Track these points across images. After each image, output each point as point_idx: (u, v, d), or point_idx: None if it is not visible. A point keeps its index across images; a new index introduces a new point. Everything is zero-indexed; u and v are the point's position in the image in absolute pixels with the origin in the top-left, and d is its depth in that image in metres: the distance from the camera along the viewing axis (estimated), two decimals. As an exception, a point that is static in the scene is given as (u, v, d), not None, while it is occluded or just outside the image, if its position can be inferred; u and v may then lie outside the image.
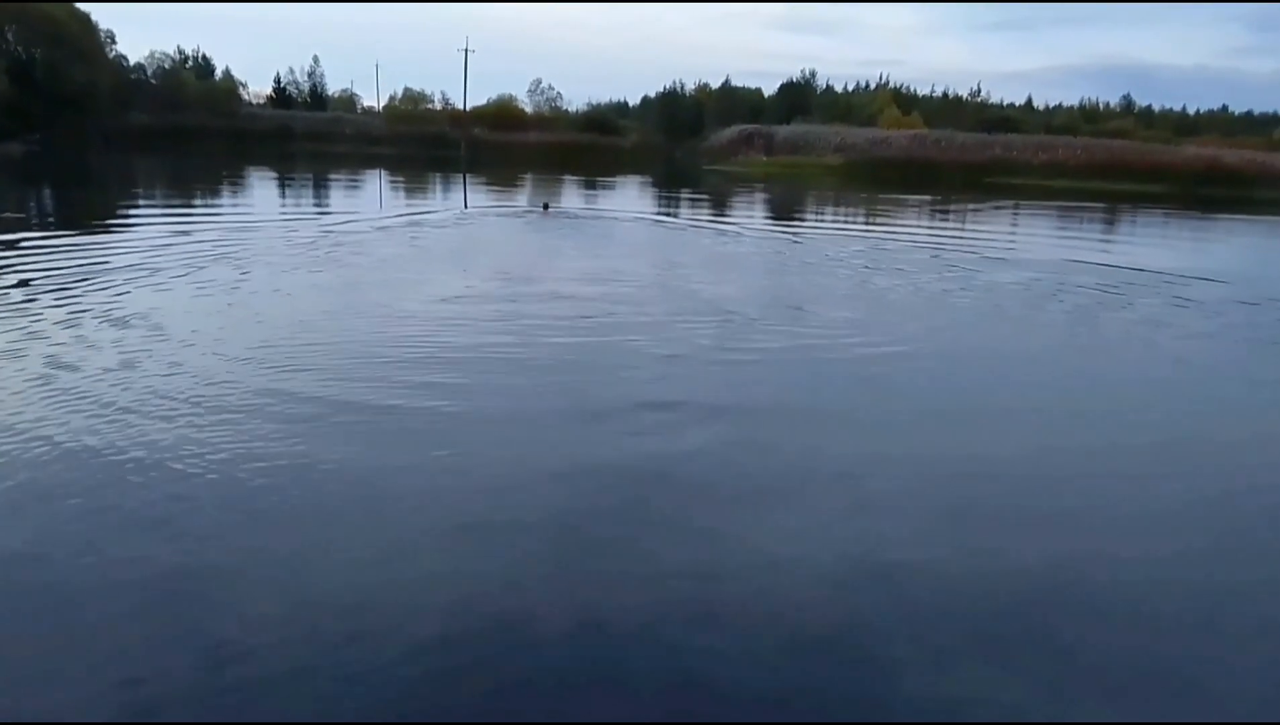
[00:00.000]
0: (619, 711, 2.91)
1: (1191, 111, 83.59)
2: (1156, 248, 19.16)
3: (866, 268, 13.14)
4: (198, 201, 21.65)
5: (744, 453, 5.25)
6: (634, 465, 4.93)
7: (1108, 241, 20.69)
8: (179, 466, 4.55)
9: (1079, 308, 10.46)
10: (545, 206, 21.13)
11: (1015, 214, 27.74)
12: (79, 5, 48.36)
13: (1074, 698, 3.06)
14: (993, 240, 18.32)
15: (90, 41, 48.64)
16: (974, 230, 21.37)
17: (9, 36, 45.46)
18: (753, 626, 3.40)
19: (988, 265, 13.90)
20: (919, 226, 22.01)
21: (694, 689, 3.02)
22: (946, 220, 24.80)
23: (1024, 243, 18.17)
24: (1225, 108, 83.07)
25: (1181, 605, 3.77)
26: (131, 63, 56.31)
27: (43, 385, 5.74)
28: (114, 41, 53.07)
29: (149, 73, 57.86)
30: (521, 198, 26.72)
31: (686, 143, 62.33)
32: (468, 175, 36.48)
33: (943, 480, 4.98)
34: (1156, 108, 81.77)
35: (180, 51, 63.39)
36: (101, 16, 50.13)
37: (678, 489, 4.67)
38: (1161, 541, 4.35)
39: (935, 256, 14.80)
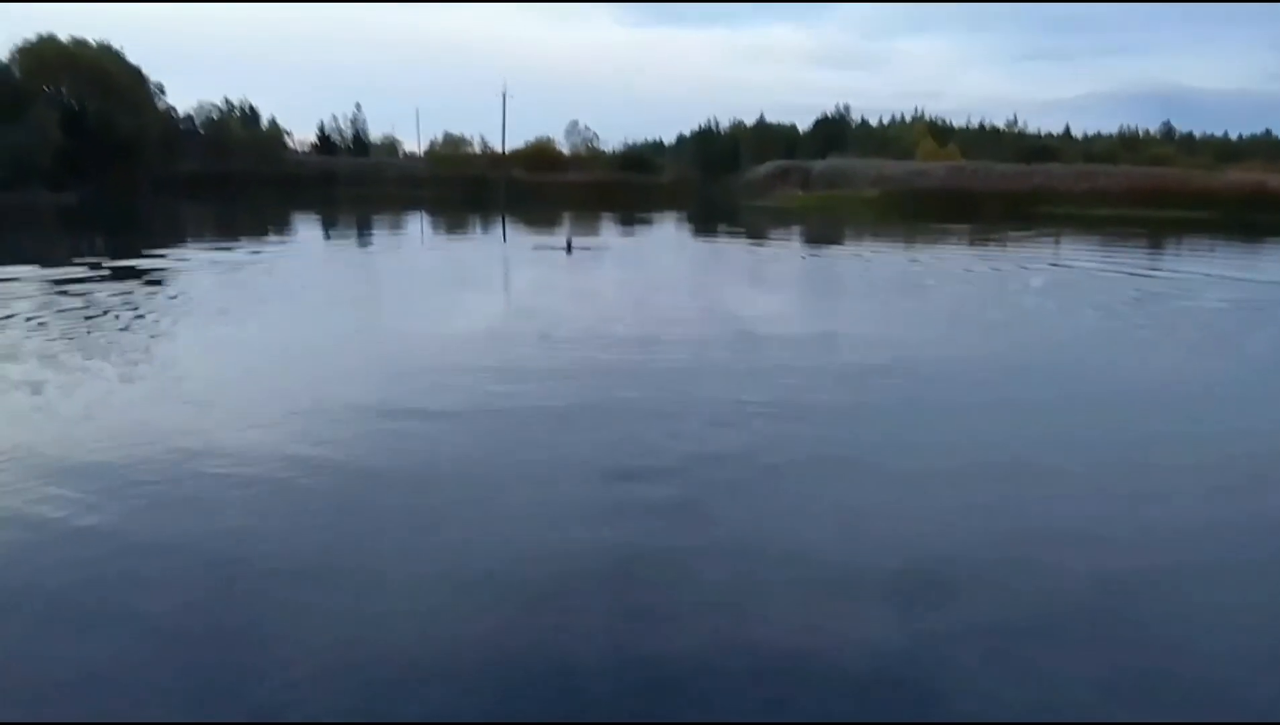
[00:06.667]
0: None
1: (1234, 136, 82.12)
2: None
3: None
4: (243, 244, 21.95)
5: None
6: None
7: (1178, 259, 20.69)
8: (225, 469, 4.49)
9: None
10: (569, 247, 19.28)
11: (1058, 240, 27.24)
12: (130, 60, 50.01)
13: None
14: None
15: (140, 92, 50.17)
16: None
17: (62, 89, 47.02)
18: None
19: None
20: (957, 254, 21.69)
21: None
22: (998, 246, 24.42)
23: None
24: (1269, 132, 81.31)
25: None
26: (180, 113, 57.91)
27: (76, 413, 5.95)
28: (163, 92, 54.64)
29: (197, 122, 59.44)
30: (557, 234, 26.92)
31: (723, 179, 62.42)
32: (506, 215, 36.79)
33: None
34: (1197, 134, 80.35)
35: (227, 101, 65.09)
36: (151, 69, 51.53)
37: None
38: None
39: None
